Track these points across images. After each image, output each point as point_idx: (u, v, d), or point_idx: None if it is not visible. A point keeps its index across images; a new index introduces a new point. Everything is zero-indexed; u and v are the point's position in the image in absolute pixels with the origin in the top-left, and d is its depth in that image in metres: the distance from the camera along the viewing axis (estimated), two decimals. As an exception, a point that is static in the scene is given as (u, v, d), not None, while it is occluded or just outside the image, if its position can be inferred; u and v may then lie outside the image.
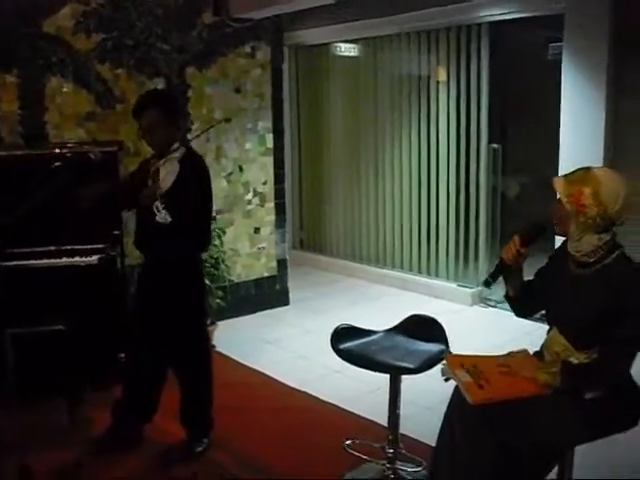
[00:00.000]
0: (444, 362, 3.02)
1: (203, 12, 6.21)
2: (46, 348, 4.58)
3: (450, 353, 3.27)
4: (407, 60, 7.68)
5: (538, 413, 2.73)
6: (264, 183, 6.79)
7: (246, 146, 6.62)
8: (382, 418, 3.79)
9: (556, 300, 2.95)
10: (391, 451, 3.67)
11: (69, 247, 4.72)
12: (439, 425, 3.04)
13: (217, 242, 5.83)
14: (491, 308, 6.88)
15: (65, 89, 5.52)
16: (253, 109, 6.63)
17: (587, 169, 2.80)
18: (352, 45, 8.30)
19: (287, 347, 6.01)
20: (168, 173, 3.86)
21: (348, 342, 3.52)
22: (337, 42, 8.35)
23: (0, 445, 3.89)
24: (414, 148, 7.67)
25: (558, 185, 2.80)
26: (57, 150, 4.97)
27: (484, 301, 7.05)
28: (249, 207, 6.71)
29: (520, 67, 7.26)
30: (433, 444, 3.11)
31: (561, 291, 2.93)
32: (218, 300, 5.79)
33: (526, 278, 3.14)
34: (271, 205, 6.87)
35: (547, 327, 3.04)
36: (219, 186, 6.41)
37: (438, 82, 7.34)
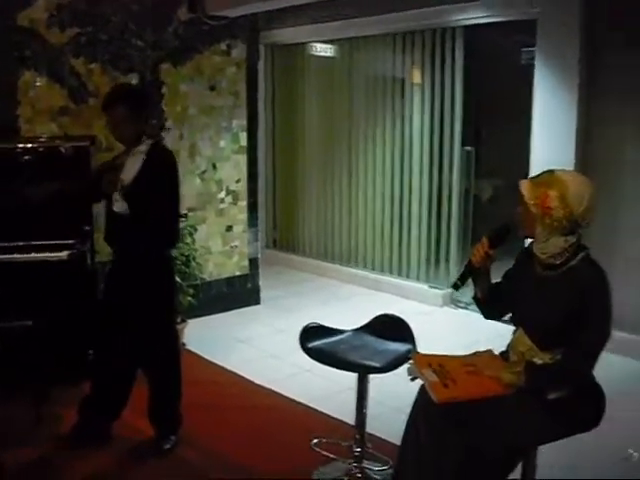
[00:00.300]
0: (411, 361, 3.04)
1: (179, 9, 6.19)
2: (13, 344, 4.54)
3: (417, 352, 3.29)
4: (382, 61, 7.71)
5: (502, 413, 2.76)
6: (237, 181, 6.78)
7: (220, 144, 6.61)
8: (351, 417, 3.80)
9: (522, 301, 2.98)
10: (358, 450, 3.69)
11: (38, 242, 4.67)
12: (406, 425, 3.07)
13: (188, 240, 5.81)
14: (462, 309, 6.92)
15: (38, 83, 5.48)
16: (228, 107, 6.62)
17: (552, 172, 2.83)
18: (328, 45, 8.31)
19: (258, 346, 6.01)
20: (132, 166, 3.86)
21: (317, 341, 3.53)
22: (313, 42, 8.36)
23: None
24: (388, 149, 7.70)
25: (524, 188, 2.82)
26: (28, 144, 4.93)
27: (455, 302, 7.09)
28: (222, 205, 6.70)
29: (494, 71, 7.32)
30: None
31: (527, 292, 2.96)
32: (189, 298, 5.77)
33: (494, 280, 3.17)
34: (244, 204, 6.87)
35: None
36: (192, 184, 6.41)
37: (413, 84, 7.37)
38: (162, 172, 3.93)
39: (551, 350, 2.82)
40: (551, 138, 5.96)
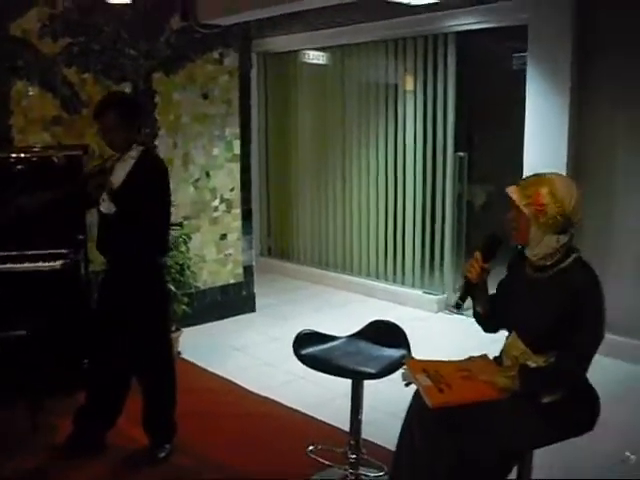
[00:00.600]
0: (405, 367, 3.05)
1: (171, 17, 6.19)
2: (8, 354, 4.53)
3: (411, 358, 3.29)
4: (375, 68, 7.74)
5: (496, 417, 2.76)
6: (231, 189, 6.78)
7: (213, 152, 6.62)
8: (346, 424, 3.79)
9: (514, 305, 2.98)
10: (353, 456, 3.69)
11: (32, 252, 4.67)
12: (401, 430, 3.07)
13: (183, 248, 5.80)
14: (456, 315, 6.91)
15: (31, 93, 5.47)
16: (221, 115, 6.63)
17: (537, 174, 2.88)
18: (320, 53, 8.34)
19: (253, 353, 6.00)
20: (120, 170, 3.88)
21: (311, 347, 3.53)
22: (306, 49, 8.39)
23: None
24: (381, 156, 7.71)
25: (513, 193, 2.83)
26: (21, 154, 4.94)
27: (449, 308, 7.09)
28: (216, 213, 6.70)
29: (486, 76, 7.34)
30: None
31: (519, 295, 2.97)
32: (184, 306, 5.76)
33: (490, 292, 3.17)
34: (238, 211, 6.87)
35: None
36: (186, 192, 6.42)
37: (405, 90, 7.39)
38: (152, 178, 3.93)
39: (544, 353, 2.82)
40: (543, 143, 5.98)
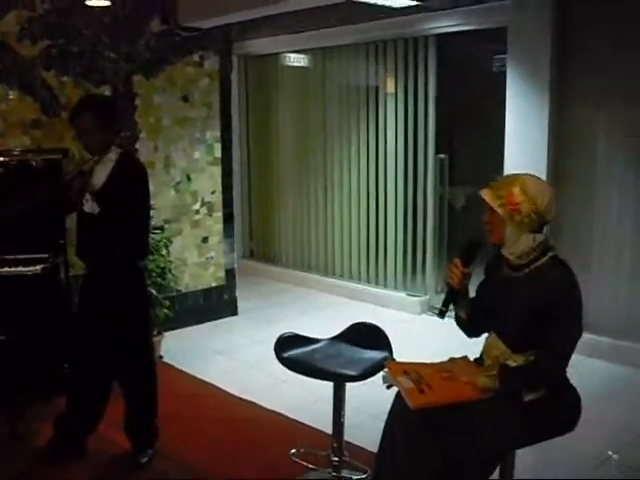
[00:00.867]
0: (385, 369, 3.05)
1: (151, 20, 6.17)
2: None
3: (391, 360, 3.29)
4: (355, 71, 7.74)
5: (477, 417, 2.77)
6: (212, 192, 6.77)
7: (194, 155, 6.60)
8: (328, 426, 3.78)
9: (492, 304, 3.00)
10: (336, 459, 3.68)
11: (11, 256, 4.63)
12: (384, 432, 3.06)
13: (164, 252, 5.79)
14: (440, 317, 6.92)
15: (10, 96, 5.44)
16: (201, 118, 6.61)
17: (508, 175, 2.96)
18: (301, 55, 8.34)
19: (235, 357, 5.98)
20: (101, 172, 3.86)
21: (292, 350, 3.51)
22: (286, 52, 8.39)
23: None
24: (362, 158, 7.72)
25: (486, 195, 2.87)
26: (1, 158, 4.90)
27: (432, 310, 7.10)
28: (197, 217, 6.68)
29: (466, 78, 7.35)
30: (378, 451, 3.13)
31: (496, 295, 2.98)
32: (165, 310, 5.74)
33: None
34: (219, 214, 6.85)
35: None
36: (167, 195, 6.39)
37: (386, 93, 7.40)
38: (133, 180, 3.93)
39: (524, 352, 2.84)
40: (524, 143, 6.00)
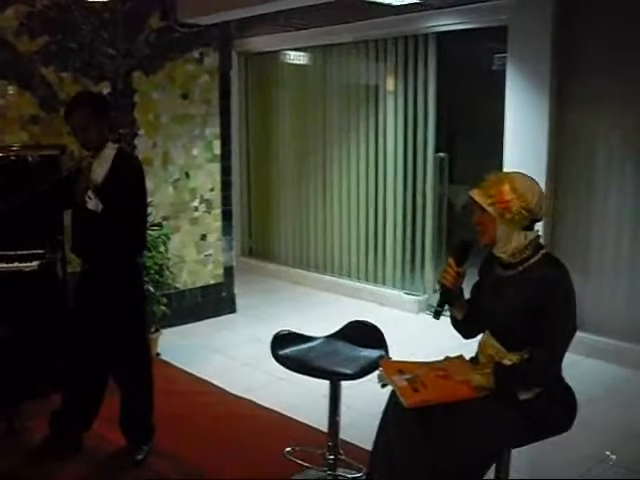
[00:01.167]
0: (380, 368, 3.04)
1: (151, 16, 6.15)
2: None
3: (386, 359, 3.29)
4: (355, 69, 7.73)
5: (472, 416, 2.76)
6: (211, 190, 6.75)
7: (193, 152, 6.59)
8: (324, 425, 3.77)
9: (486, 304, 2.99)
10: (331, 457, 3.67)
11: (8, 252, 4.62)
12: (380, 431, 3.05)
13: (162, 249, 5.77)
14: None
15: (9, 92, 5.43)
16: (200, 115, 6.60)
17: (497, 174, 2.91)
18: (301, 53, 8.32)
19: (232, 355, 5.97)
20: (100, 168, 3.85)
21: (288, 348, 3.51)
22: (286, 50, 8.38)
23: None
24: (362, 157, 7.71)
25: (476, 195, 2.87)
26: (-2, 153, 4.90)
27: (430, 309, 7.08)
28: (196, 214, 6.67)
29: (466, 77, 7.34)
30: (374, 450, 3.12)
31: (489, 294, 2.98)
32: (163, 307, 5.74)
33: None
34: (218, 212, 6.84)
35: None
36: (165, 192, 6.38)
37: (386, 91, 7.38)
38: (131, 176, 3.92)
39: (519, 351, 2.83)
40: (524, 142, 6.00)
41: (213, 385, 5.27)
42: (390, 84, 7.34)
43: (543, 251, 2.87)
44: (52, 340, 4.77)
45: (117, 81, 5.98)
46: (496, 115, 6.27)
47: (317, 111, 8.19)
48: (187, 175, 6.55)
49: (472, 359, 3.08)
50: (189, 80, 6.48)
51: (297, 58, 8.36)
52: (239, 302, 7.18)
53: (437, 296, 3.10)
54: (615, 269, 5.73)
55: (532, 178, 2.89)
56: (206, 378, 5.39)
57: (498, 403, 2.78)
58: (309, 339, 3.64)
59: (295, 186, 8.57)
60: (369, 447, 3.14)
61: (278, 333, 3.63)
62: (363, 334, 3.63)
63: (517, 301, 2.80)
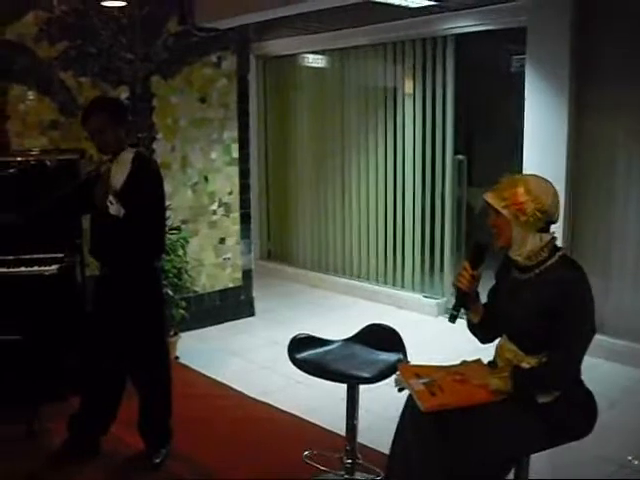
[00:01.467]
0: (397, 372, 3.03)
1: (168, 21, 6.18)
2: (3, 358, 4.53)
3: (403, 363, 3.27)
4: (374, 71, 7.71)
5: (490, 421, 2.74)
6: (229, 193, 6.76)
7: (211, 156, 6.60)
8: (342, 428, 3.76)
9: (503, 307, 2.97)
10: (349, 461, 3.65)
11: (28, 256, 4.66)
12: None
13: (180, 252, 5.79)
14: (457, 319, 6.88)
15: (29, 97, 5.47)
16: (219, 119, 6.61)
17: (511, 176, 2.89)
18: (319, 56, 8.33)
19: (251, 358, 5.97)
20: (119, 172, 3.87)
21: (305, 352, 3.50)
22: (304, 53, 8.38)
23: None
24: (380, 159, 7.69)
25: (491, 198, 2.85)
26: (17, 158, 4.93)
27: (449, 312, 7.04)
28: (214, 217, 6.68)
29: (484, 79, 7.31)
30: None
31: (507, 298, 2.95)
32: (181, 311, 5.75)
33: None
34: (236, 215, 6.84)
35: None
36: (184, 196, 6.40)
37: (404, 93, 7.36)
38: (150, 180, 3.95)
39: (537, 354, 2.81)
40: (543, 145, 5.96)
41: (231, 388, 5.27)
42: (408, 86, 7.32)
43: (560, 253, 2.85)
44: (71, 343, 4.79)
45: (135, 85, 6.01)
46: (514, 117, 6.23)
47: (335, 114, 8.19)
48: (205, 179, 6.57)
49: (490, 363, 3.06)
50: (207, 84, 6.50)
51: (315, 61, 8.37)
52: (257, 305, 7.18)
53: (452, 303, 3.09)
54: (636, 271, 5.67)
55: (547, 180, 2.86)
56: (224, 381, 5.39)
57: (516, 407, 2.76)
58: (327, 342, 3.63)
59: (313, 189, 8.57)
60: (387, 451, 3.12)
61: (295, 337, 3.62)
62: (381, 337, 3.62)
63: (534, 304, 2.78)
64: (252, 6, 5.69)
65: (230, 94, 6.68)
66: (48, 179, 4.79)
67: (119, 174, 3.87)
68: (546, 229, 2.84)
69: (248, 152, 6.94)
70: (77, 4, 5.61)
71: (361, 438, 3.77)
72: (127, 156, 3.91)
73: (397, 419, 3.05)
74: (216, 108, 6.58)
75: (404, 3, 5.78)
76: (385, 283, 7.82)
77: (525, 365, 2.83)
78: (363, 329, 3.74)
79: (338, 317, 7.06)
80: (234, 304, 6.97)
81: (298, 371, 3.51)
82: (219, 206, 6.70)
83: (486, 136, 7.79)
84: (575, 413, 2.84)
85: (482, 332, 3.14)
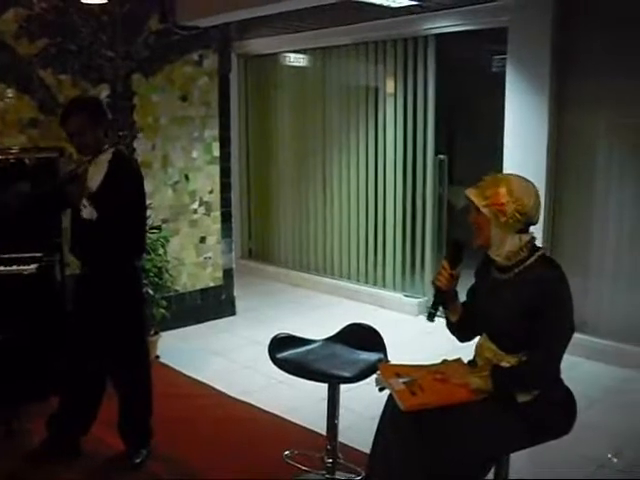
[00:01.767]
0: (378, 372, 3.03)
1: (150, 19, 6.14)
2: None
3: (384, 362, 3.27)
4: (355, 71, 7.72)
5: (470, 419, 2.75)
6: (210, 192, 6.74)
7: (192, 155, 6.58)
8: (323, 428, 3.76)
9: (482, 306, 2.98)
10: (330, 461, 3.65)
11: (7, 255, 4.61)
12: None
13: (161, 251, 5.76)
14: (437, 318, 6.89)
15: (8, 95, 5.42)
16: (200, 117, 6.59)
17: (494, 175, 2.90)
18: (301, 55, 8.32)
19: (232, 357, 5.96)
20: (96, 173, 3.83)
21: (286, 351, 3.50)
22: (286, 52, 8.37)
23: None
24: (362, 159, 7.70)
25: (473, 195, 2.85)
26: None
27: (428, 311, 7.05)
28: (195, 216, 6.66)
29: (466, 79, 7.33)
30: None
31: (486, 297, 2.97)
32: (162, 310, 5.73)
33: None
34: (217, 214, 6.82)
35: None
36: (164, 195, 6.37)
37: (386, 93, 7.37)
38: (129, 180, 3.91)
39: (516, 353, 2.82)
40: (523, 143, 5.99)
41: (212, 388, 5.26)
42: (390, 86, 7.32)
43: (539, 252, 2.86)
44: (51, 343, 4.76)
45: (116, 83, 5.97)
46: (495, 117, 6.25)
47: (316, 113, 8.19)
48: (186, 177, 6.54)
49: (470, 362, 3.07)
50: (188, 82, 6.47)
51: (296, 60, 8.36)
52: (239, 304, 7.17)
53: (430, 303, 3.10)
54: (616, 271, 5.71)
55: (529, 181, 2.87)
56: (205, 381, 5.38)
57: (496, 406, 2.77)
58: (307, 342, 3.63)
59: (295, 188, 8.57)
60: (367, 450, 3.13)
61: (276, 336, 3.62)
62: (362, 337, 3.61)
63: (514, 303, 2.79)
64: (233, 4, 5.67)
65: (211, 92, 6.66)
66: (27, 177, 4.75)
67: (96, 175, 3.84)
68: (525, 230, 2.85)
69: (229, 151, 6.92)
70: (57, 1, 5.57)
71: (342, 437, 3.76)
72: (105, 157, 3.87)
73: (378, 418, 3.06)
74: (197, 106, 6.56)
75: (385, 3, 5.77)
76: (366, 282, 7.83)
77: (505, 364, 2.84)
78: (344, 329, 3.73)
79: (319, 316, 7.06)
80: (215, 303, 6.95)
81: (279, 371, 3.50)
82: (200, 205, 6.68)
83: (467, 135, 7.81)
84: (555, 412, 2.86)
85: (461, 331, 3.15)
